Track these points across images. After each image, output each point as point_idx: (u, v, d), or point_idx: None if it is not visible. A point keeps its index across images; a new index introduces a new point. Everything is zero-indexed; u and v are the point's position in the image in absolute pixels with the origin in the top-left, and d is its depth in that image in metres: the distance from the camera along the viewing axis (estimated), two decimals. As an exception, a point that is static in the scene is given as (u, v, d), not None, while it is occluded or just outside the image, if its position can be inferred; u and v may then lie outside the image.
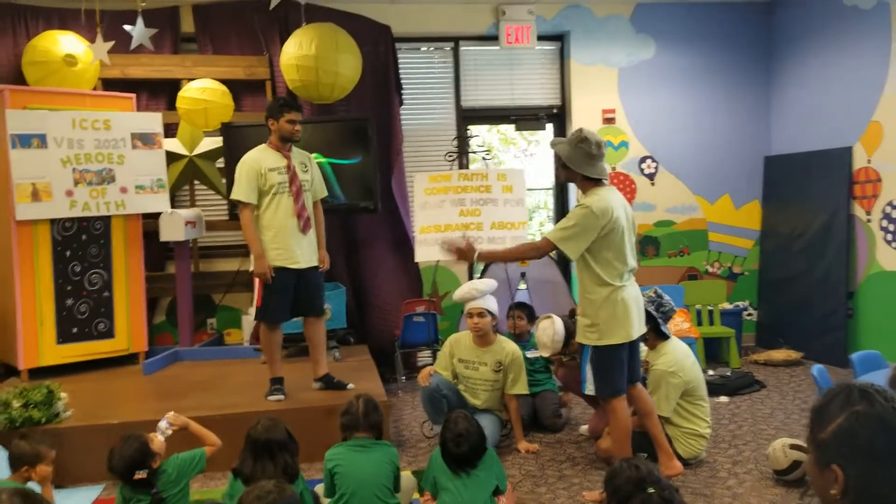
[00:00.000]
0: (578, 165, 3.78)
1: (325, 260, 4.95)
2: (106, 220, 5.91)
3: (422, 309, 6.28)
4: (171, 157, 6.27)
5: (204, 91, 6.09)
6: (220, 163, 6.65)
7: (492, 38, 7.04)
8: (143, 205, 5.98)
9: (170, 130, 6.40)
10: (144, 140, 5.98)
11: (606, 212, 3.74)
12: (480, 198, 5.10)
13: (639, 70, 7.20)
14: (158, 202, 6.03)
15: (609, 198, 3.79)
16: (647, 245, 7.29)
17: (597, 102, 7.15)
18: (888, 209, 6.05)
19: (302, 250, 4.74)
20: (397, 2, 6.66)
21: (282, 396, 4.75)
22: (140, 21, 5.29)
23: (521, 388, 4.70)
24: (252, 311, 6.52)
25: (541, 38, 7.07)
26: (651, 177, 7.27)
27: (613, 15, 7.16)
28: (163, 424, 3.49)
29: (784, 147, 7.24)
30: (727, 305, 7.05)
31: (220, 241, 6.87)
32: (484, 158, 6.04)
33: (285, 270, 4.67)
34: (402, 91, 6.72)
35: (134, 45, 5.34)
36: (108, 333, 5.92)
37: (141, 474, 3.19)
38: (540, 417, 5.10)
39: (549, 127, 7.34)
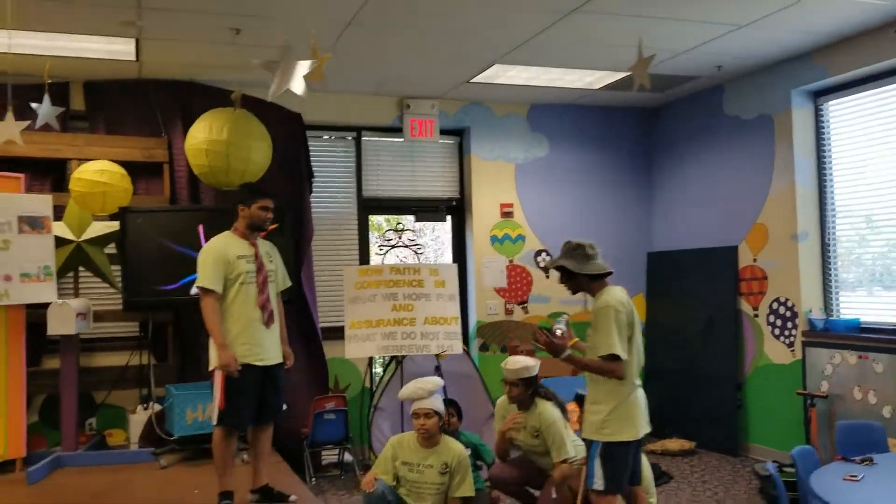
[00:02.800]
0: (581, 268, 3.88)
1: (290, 356, 4.69)
2: (-15, 310, 5.32)
3: (332, 405, 6.04)
4: (57, 242, 5.76)
5: (102, 173, 5.68)
6: (110, 248, 6.21)
7: (395, 130, 7.10)
8: (28, 294, 5.44)
9: (55, 213, 5.89)
10: (32, 224, 5.49)
11: (624, 304, 3.88)
12: (413, 292, 5.04)
13: (534, 166, 7.49)
14: (45, 291, 5.51)
15: (618, 292, 3.93)
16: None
17: (496, 196, 7.35)
18: (775, 305, 6.55)
19: (268, 345, 4.47)
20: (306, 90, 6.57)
21: None
22: (47, 98, 4.89)
23: (468, 489, 4.57)
24: (139, 409, 6.06)
25: (443, 132, 7.22)
26: (546, 270, 7.49)
27: (511, 113, 7.45)
28: None
29: (666, 244, 7.72)
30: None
31: (104, 333, 6.33)
32: (416, 252, 6.00)
33: (252, 368, 4.36)
34: (313, 179, 6.60)
35: (39, 123, 4.92)
36: (-18, 439, 5.26)
37: None
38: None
39: (449, 219, 7.44)
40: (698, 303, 7.23)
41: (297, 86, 3.95)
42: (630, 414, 3.87)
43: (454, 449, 4.57)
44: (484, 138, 7.34)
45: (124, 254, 5.85)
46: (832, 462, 4.32)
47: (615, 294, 3.91)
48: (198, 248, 5.78)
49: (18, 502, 4.85)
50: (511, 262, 7.37)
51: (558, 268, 3.98)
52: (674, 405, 7.33)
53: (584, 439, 4.00)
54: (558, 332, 4.00)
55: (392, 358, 6.36)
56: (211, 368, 4.42)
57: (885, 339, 5.75)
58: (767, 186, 6.60)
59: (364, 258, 7.09)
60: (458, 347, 5.11)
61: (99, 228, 5.99)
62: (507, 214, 7.36)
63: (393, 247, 5.40)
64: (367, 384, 6.82)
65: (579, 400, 4.65)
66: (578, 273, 3.91)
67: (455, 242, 7.50)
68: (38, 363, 6.06)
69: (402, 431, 5.95)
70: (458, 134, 7.46)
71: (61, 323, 5.53)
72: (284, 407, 4.74)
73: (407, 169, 7.29)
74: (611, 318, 3.79)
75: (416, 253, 5.97)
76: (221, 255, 4.38)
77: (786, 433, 6.47)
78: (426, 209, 7.23)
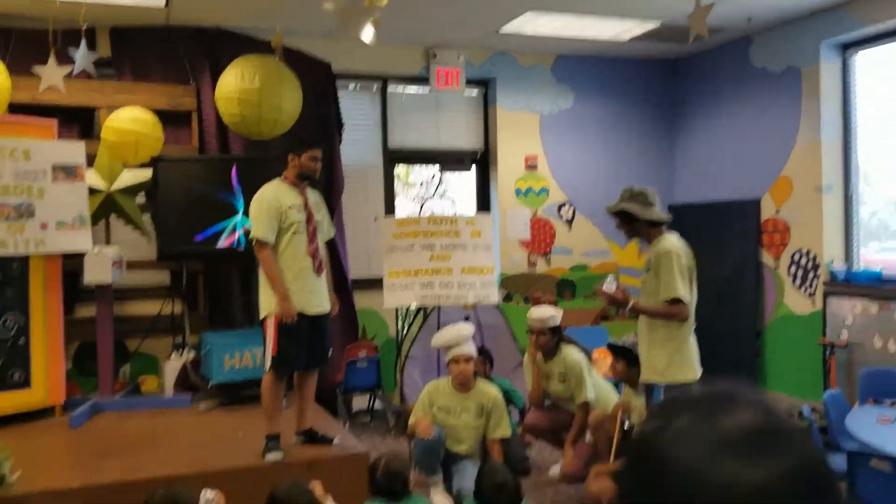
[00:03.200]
0: (645, 214, 3.95)
1: (336, 304, 4.74)
2: (24, 259, 5.34)
3: (364, 353, 6.13)
4: (88, 192, 5.76)
5: (135, 121, 5.68)
6: (140, 198, 6.23)
7: (422, 80, 7.08)
8: (64, 243, 5.46)
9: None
10: (67, 172, 5.49)
11: (684, 249, 3.99)
12: (450, 242, 5.08)
13: (559, 118, 7.49)
14: (80, 240, 5.53)
15: (676, 238, 4.03)
16: (565, 289, 7.54)
17: (520, 148, 7.36)
18: (796, 256, 6.64)
19: (318, 294, 4.51)
20: (332, 38, 6.54)
21: (280, 454, 4.44)
22: (84, 44, 4.86)
23: (505, 430, 4.70)
24: (173, 356, 6.13)
25: (469, 82, 7.20)
26: (569, 222, 7.55)
27: (537, 64, 7.43)
28: (208, 496, 3.17)
29: (687, 197, 7.77)
30: (641, 345, 7.42)
31: (136, 283, 6.37)
32: (453, 201, 6.03)
33: (303, 316, 4.40)
34: (343, 130, 6.59)
35: (77, 69, 4.90)
36: (24, 384, 5.32)
37: None
38: (510, 462, 5.09)
39: (473, 169, 7.46)
40: (719, 255, 7.30)
41: (366, 33, 3.92)
42: (690, 356, 3.98)
43: (489, 391, 4.69)
44: (509, 89, 7.33)
45: (156, 204, 5.87)
46: (862, 405, 4.44)
47: (675, 240, 3.98)
48: (231, 195, 5.88)
49: (67, 445, 4.94)
50: (535, 214, 7.41)
51: (620, 212, 4.02)
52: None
53: (643, 384, 4.09)
54: (610, 291, 4.11)
55: (420, 309, 6.45)
56: (263, 316, 4.47)
57: (908, 289, 5.87)
58: (793, 139, 6.63)
59: (390, 209, 7.13)
60: (494, 297, 5.19)
61: (129, 178, 5.99)
62: (531, 167, 7.38)
63: (431, 197, 5.43)
64: (394, 334, 6.92)
65: (614, 350, 4.73)
66: (640, 218, 3.96)
67: (479, 195, 7.52)
68: (71, 311, 6.11)
69: (434, 379, 6.07)
70: (484, 85, 7.44)
71: (98, 271, 5.55)
72: (330, 353, 4.81)
73: (432, 120, 7.28)
74: (674, 263, 3.87)
75: (452, 204, 6.00)
76: (274, 204, 4.38)
77: (803, 381, 6.61)
78: (451, 161, 7.23)
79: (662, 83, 7.88)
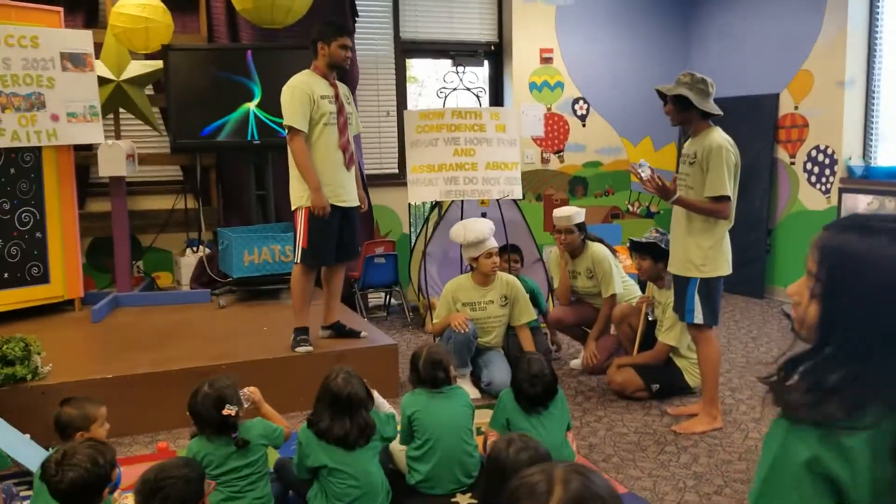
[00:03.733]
0: (702, 103, 3.83)
1: (364, 200, 4.67)
2: (36, 151, 5.22)
3: (382, 250, 6.11)
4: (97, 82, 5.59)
5: (144, 8, 5.44)
6: (149, 90, 6.06)
7: (435, -34, 6.82)
8: (76, 135, 5.34)
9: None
10: (75, 61, 5.31)
11: (733, 145, 3.87)
12: (475, 137, 4.98)
13: (575, 10, 7.26)
14: (92, 132, 5.41)
15: (724, 133, 3.90)
16: (577, 185, 7.49)
17: (535, 41, 7.16)
18: (813, 153, 6.59)
19: (348, 187, 4.44)
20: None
21: (310, 347, 4.45)
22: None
23: (529, 314, 4.76)
24: (188, 252, 6.10)
25: (484, -29, 6.95)
26: (583, 118, 7.43)
27: (553, -47, 7.16)
28: (246, 393, 3.18)
29: (701, 92, 7.63)
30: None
31: (146, 177, 6.26)
32: (477, 95, 5.88)
33: (334, 208, 4.34)
34: (357, 18, 6.37)
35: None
36: (44, 278, 5.29)
37: (231, 409, 2.92)
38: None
39: (486, 64, 7.28)
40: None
41: None
42: (725, 250, 3.96)
43: (508, 280, 4.73)
44: (524, -21, 7.08)
45: (168, 95, 5.71)
46: None
47: (724, 136, 3.89)
48: (248, 79, 5.72)
49: (91, 338, 4.94)
50: (549, 109, 7.28)
51: (677, 96, 3.90)
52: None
53: (675, 276, 4.08)
54: (645, 175, 4.00)
55: (435, 204, 6.40)
56: (294, 207, 4.40)
57: (926, 185, 5.86)
58: (816, 32, 6.47)
59: (401, 103, 6.98)
60: (518, 193, 5.12)
61: (138, 68, 5.81)
62: (546, 60, 7.20)
63: (454, 89, 5.29)
64: (407, 231, 6.89)
65: (638, 247, 4.69)
66: (695, 106, 3.86)
67: (492, 89, 7.37)
68: (82, 206, 6.02)
69: (454, 275, 6.09)
70: (498, -27, 7.18)
71: (112, 164, 5.45)
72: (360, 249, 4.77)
73: (445, 9, 7.05)
74: (723, 160, 3.80)
75: (477, 97, 5.85)
76: (306, 93, 4.25)
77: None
78: (464, 53, 7.04)
79: (679, -26, 7.64)
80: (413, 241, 6.51)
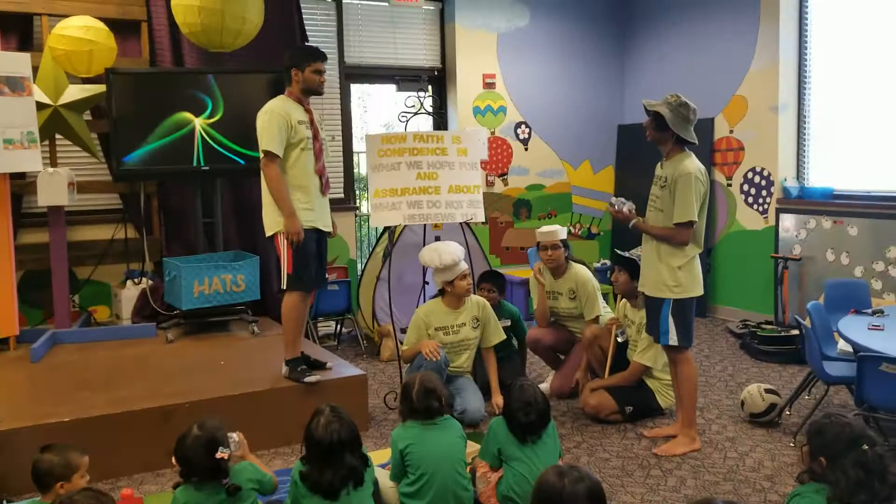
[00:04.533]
0: (677, 126, 3.88)
1: (336, 226, 4.59)
2: (-30, 181, 4.89)
3: (335, 276, 5.98)
4: (32, 107, 5.30)
5: (88, 30, 5.22)
6: (87, 115, 5.78)
7: (379, -8, 6.79)
8: (13, 162, 5.01)
9: (26, 75, 5.39)
10: (12, 86, 5.00)
11: (703, 173, 3.94)
12: (437, 160, 4.93)
13: (515, 36, 7.36)
14: (30, 160, 5.08)
15: (697, 161, 3.97)
16: (521, 207, 7.55)
17: (478, 66, 7.21)
18: (750, 175, 6.84)
19: (325, 212, 4.38)
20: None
21: (319, 376, 4.35)
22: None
23: (499, 334, 4.77)
24: (129, 284, 5.82)
25: (427, -3, 6.96)
26: (525, 142, 7.51)
27: (493, -19, 7.24)
28: (234, 437, 3.02)
29: (637, 117, 7.83)
30: (596, 264, 7.55)
31: (83, 206, 5.94)
32: (435, 117, 5.83)
33: (315, 232, 4.30)
34: (307, 42, 6.26)
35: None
36: (-23, 316, 4.94)
37: (224, 453, 2.77)
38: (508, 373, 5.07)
39: (430, 89, 7.27)
40: (671, 174, 7.42)
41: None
42: (696, 272, 4.03)
43: (478, 302, 4.76)
44: (467, 6, 7.12)
45: (112, 119, 5.45)
46: (846, 315, 4.62)
47: (696, 163, 3.96)
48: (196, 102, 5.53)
49: (34, 379, 4.63)
50: (493, 133, 7.33)
51: (657, 114, 3.95)
52: (644, 273, 7.63)
53: (648, 297, 4.12)
54: (625, 209, 4.10)
55: (384, 230, 6.32)
56: (271, 234, 4.27)
57: (859, 204, 6.14)
58: (749, 60, 6.74)
59: (347, 128, 6.90)
60: (480, 215, 5.10)
61: (77, 92, 5.54)
62: (489, 85, 7.26)
63: (415, 114, 5.24)
64: (355, 257, 6.79)
65: (620, 260, 4.75)
66: (672, 129, 3.91)
67: (436, 114, 7.34)
68: (14, 237, 5.66)
69: (407, 300, 6.01)
70: (441, 0, 7.19)
71: (52, 193, 5.17)
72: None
73: (389, 35, 7.02)
74: (692, 186, 3.87)
75: (437, 119, 5.81)
76: (284, 118, 4.16)
77: (753, 294, 6.90)
78: (408, 78, 7.00)
79: (614, 3, 7.84)
80: (361, 267, 6.41)
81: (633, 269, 4.53)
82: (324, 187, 4.35)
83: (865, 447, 2.45)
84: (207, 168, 5.59)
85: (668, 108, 3.91)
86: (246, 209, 6.08)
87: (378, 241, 6.41)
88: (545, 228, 4.97)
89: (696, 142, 3.99)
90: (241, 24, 5.39)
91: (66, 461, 2.86)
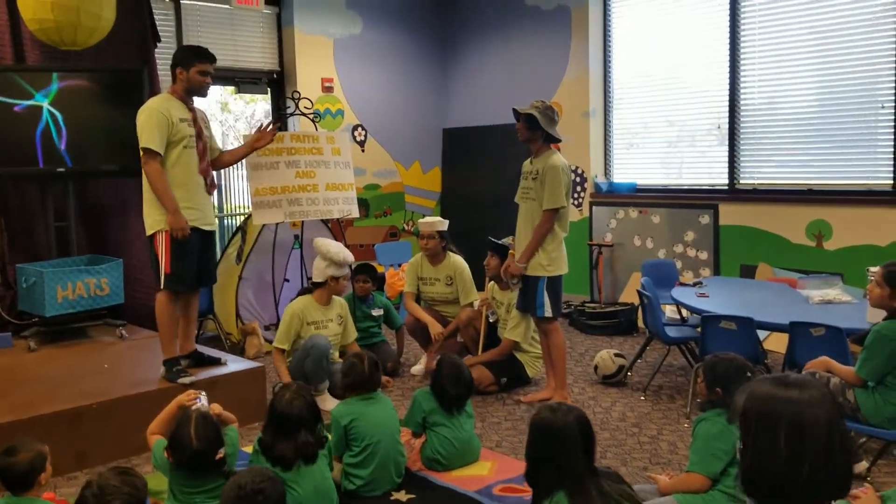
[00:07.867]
0: (547, 126, 4.42)
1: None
2: None
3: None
4: None
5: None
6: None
7: (219, -6, 6.84)
8: None
9: None
10: None
11: (568, 168, 4.56)
12: (314, 160, 5.14)
13: (350, 43, 7.71)
14: None
15: (562, 157, 4.56)
16: (359, 206, 7.85)
17: (316, 71, 7.45)
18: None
19: (206, 211, 4.40)
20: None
21: (193, 376, 4.34)
22: None
23: (354, 333, 5.12)
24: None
25: (267, 1, 7.09)
26: (362, 144, 7.86)
27: (329, -11, 7.52)
28: (203, 401, 3.14)
29: (461, 121, 8.46)
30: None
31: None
32: (312, 119, 5.94)
33: (197, 231, 4.29)
34: (159, 42, 6.16)
35: None
36: None
37: (222, 452, 2.92)
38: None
39: (269, 92, 7.40)
40: (492, 174, 8.12)
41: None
42: (563, 253, 4.67)
43: (338, 300, 5.07)
44: (304, 12, 7.35)
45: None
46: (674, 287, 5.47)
47: (562, 158, 4.58)
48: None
49: None
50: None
51: (529, 116, 4.49)
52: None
53: (526, 276, 4.68)
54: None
55: (238, 228, 6.40)
56: (151, 233, 4.26)
57: (659, 196, 7.16)
58: (563, 71, 7.58)
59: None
60: (355, 212, 5.40)
61: None
62: (327, 89, 7.53)
63: (291, 115, 5.40)
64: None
65: (493, 246, 5.25)
66: (543, 129, 4.49)
67: (276, 116, 7.49)
68: None
69: (268, 298, 6.16)
70: (277, 4, 7.34)
71: None
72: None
73: (228, 37, 7.06)
74: (559, 177, 4.48)
75: (312, 121, 5.97)
76: (164, 115, 4.17)
77: (574, 279, 7.71)
78: (248, 81, 7.12)
79: (438, 15, 8.42)
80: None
81: (503, 254, 5.08)
82: (209, 186, 4.43)
83: (749, 374, 3.11)
84: (64, 170, 5.40)
85: (538, 111, 4.54)
86: (81, 212, 5.91)
87: (229, 242, 6.46)
88: (426, 219, 5.40)
89: (561, 139, 4.62)
90: (96, 22, 5.27)
91: (39, 451, 2.85)
